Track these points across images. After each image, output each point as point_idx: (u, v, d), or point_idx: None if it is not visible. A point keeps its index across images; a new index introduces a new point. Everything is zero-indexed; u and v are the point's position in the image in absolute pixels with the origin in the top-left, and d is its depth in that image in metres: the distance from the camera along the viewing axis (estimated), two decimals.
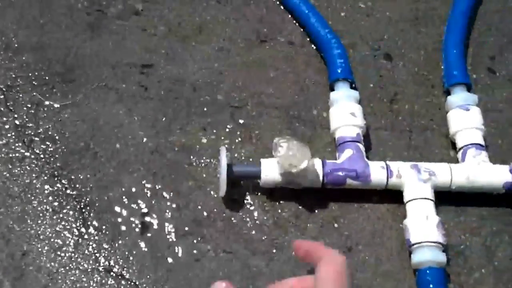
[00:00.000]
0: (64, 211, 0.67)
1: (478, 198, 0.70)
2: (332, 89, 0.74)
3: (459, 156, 0.70)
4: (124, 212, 0.67)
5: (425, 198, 0.65)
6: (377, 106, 0.76)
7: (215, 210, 0.68)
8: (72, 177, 0.69)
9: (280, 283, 0.54)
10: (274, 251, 0.66)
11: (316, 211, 0.69)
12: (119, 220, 0.67)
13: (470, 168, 0.67)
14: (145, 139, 0.72)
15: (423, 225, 0.64)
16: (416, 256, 0.63)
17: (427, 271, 0.63)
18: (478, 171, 0.67)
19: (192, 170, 0.71)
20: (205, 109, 0.74)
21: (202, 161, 0.71)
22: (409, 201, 0.66)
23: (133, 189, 0.69)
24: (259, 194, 0.69)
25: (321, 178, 0.67)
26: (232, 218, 0.68)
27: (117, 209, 0.68)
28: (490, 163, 0.68)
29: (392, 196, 0.69)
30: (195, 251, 0.65)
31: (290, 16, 0.82)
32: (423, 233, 0.64)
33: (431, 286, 0.62)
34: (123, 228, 0.66)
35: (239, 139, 0.73)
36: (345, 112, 0.70)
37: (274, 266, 0.65)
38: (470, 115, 0.70)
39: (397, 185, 0.67)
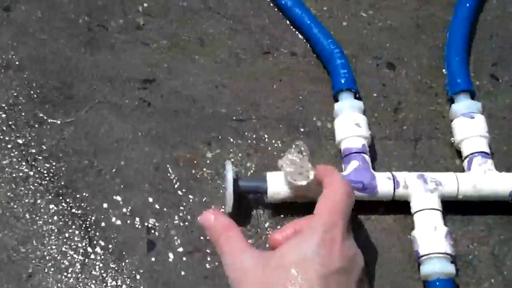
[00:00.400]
0: (70, 230, 0.67)
1: (484, 207, 0.69)
2: (336, 100, 0.73)
3: (464, 165, 0.69)
4: (130, 230, 0.67)
5: (433, 209, 0.65)
6: (381, 115, 0.76)
7: None
8: (77, 195, 0.69)
9: (283, 227, 0.59)
10: None
11: None
12: (125, 238, 0.66)
13: (476, 176, 0.67)
14: (149, 155, 0.71)
15: (431, 236, 0.63)
16: (425, 267, 0.63)
17: (437, 283, 0.62)
18: (484, 179, 0.67)
19: (198, 185, 0.70)
20: (208, 123, 0.74)
21: (207, 176, 0.70)
22: (417, 211, 0.66)
23: (139, 207, 0.68)
24: (265, 208, 0.68)
25: None
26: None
27: (123, 227, 0.67)
28: (496, 171, 0.68)
29: (399, 206, 0.68)
30: (203, 268, 0.65)
31: (292, 27, 0.82)
32: (432, 245, 0.63)
33: None
34: (130, 246, 0.66)
35: (244, 152, 0.72)
36: (350, 123, 0.70)
37: None
38: (474, 123, 0.70)
39: (404, 196, 0.67)
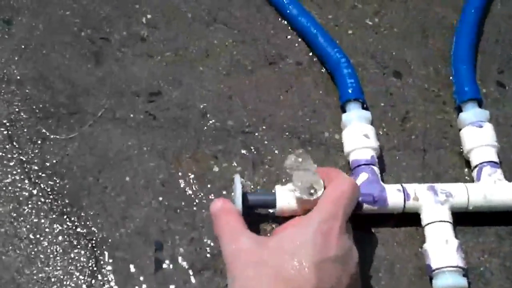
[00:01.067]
0: (76, 250, 0.66)
1: (495, 217, 0.68)
2: (344, 110, 0.73)
3: (474, 175, 0.69)
4: (137, 249, 0.66)
5: (444, 221, 0.65)
6: (389, 125, 0.75)
7: None
8: (82, 214, 0.68)
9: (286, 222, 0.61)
10: None
11: None
12: (132, 257, 0.65)
13: (486, 187, 0.66)
14: (155, 170, 0.71)
15: (443, 250, 0.63)
16: (438, 281, 0.63)
17: None
18: (494, 189, 0.66)
19: (205, 200, 0.69)
20: (215, 136, 0.73)
21: (215, 190, 0.69)
22: (428, 224, 0.65)
23: (145, 224, 0.67)
24: (274, 222, 0.67)
25: None
26: None
27: (130, 245, 0.66)
28: (505, 181, 0.67)
29: (409, 218, 0.67)
30: (213, 287, 0.64)
31: (298, 37, 0.81)
32: (444, 258, 0.63)
33: None
34: (137, 265, 0.65)
35: (251, 165, 0.71)
36: (358, 134, 0.69)
37: None
38: (483, 132, 0.69)
39: (415, 208, 0.66)
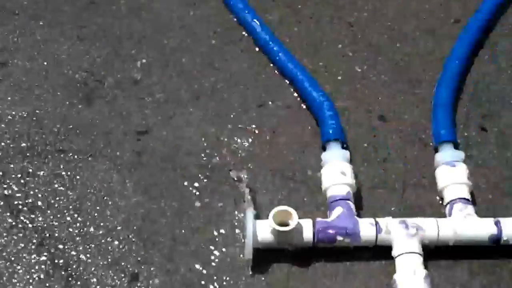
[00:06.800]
0: (52, 280, 0.75)
1: (468, 252, 0.77)
2: (325, 150, 0.83)
3: (446, 211, 0.78)
4: (113, 280, 0.75)
5: (413, 253, 0.73)
6: (371, 165, 0.85)
7: (205, 274, 0.76)
8: (60, 246, 0.77)
9: None
10: None
11: (309, 270, 0.77)
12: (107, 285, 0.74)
13: (456, 222, 0.75)
14: (136, 206, 0.80)
15: (411, 279, 0.72)
16: None
17: None
18: (464, 224, 0.75)
19: (188, 235, 0.79)
20: (200, 173, 0.83)
21: (194, 226, 0.79)
22: (398, 256, 0.74)
23: (123, 256, 0.77)
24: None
25: (311, 236, 0.74)
26: (224, 283, 0.75)
27: (106, 277, 0.75)
28: (476, 216, 0.76)
29: (384, 252, 0.76)
30: None
31: (287, 81, 0.92)
32: (411, 287, 0.71)
33: None
34: None
35: (234, 202, 0.81)
36: (335, 171, 0.79)
37: None
38: (456, 171, 0.79)
39: (386, 241, 0.75)
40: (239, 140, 0.87)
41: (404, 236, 0.75)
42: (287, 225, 0.74)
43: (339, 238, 0.75)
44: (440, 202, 0.82)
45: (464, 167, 0.80)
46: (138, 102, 0.90)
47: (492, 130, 0.89)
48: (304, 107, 0.90)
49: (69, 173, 0.83)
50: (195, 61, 0.94)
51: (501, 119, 0.90)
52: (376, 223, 0.76)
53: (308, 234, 0.75)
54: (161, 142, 0.86)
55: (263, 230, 0.75)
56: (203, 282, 0.76)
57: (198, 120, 0.89)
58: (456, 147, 0.84)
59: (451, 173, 0.80)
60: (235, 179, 0.83)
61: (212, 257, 0.78)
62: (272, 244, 0.76)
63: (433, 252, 0.77)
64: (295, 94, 0.92)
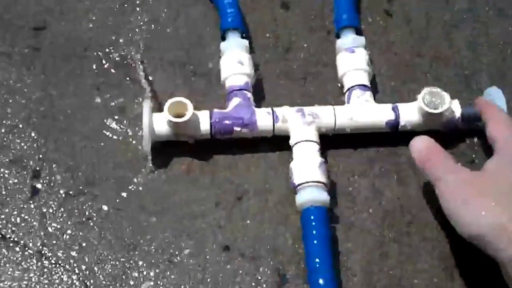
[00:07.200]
0: None
1: (368, 140, 0.78)
2: (224, 39, 0.81)
3: (345, 98, 0.77)
4: (15, 179, 0.75)
5: (309, 141, 0.73)
6: (272, 55, 0.84)
7: (105, 170, 0.76)
8: None
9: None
10: (164, 206, 0.74)
11: (209, 163, 0.77)
12: (7, 185, 0.75)
13: (353, 108, 0.75)
14: (36, 103, 0.79)
15: (305, 166, 0.72)
16: (300, 196, 0.72)
17: (310, 210, 0.71)
18: (361, 111, 0.75)
19: (85, 131, 0.78)
20: (98, 68, 0.82)
21: (94, 122, 0.79)
22: (295, 144, 0.74)
23: (24, 153, 0.76)
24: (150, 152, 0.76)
25: (209, 128, 0.74)
26: (126, 175, 0.76)
27: (8, 176, 0.75)
28: (374, 102, 0.76)
29: (284, 142, 0.76)
30: (86, 212, 0.73)
31: None
32: (306, 174, 0.72)
33: (313, 223, 0.70)
34: (11, 193, 0.74)
35: (133, 96, 0.80)
36: (233, 61, 0.78)
37: (162, 219, 0.73)
38: (355, 57, 0.78)
39: (284, 130, 0.75)
40: (138, 31, 0.85)
41: (300, 124, 0.74)
42: (184, 116, 0.72)
43: (236, 128, 0.75)
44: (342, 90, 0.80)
45: (363, 53, 0.79)
46: None
47: (397, 14, 0.87)
48: None
49: None
50: None
51: (406, 2, 0.89)
52: (273, 112, 0.75)
53: (205, 125, 0.75)
54: (59, 36, 0.84)
55: (160, 123, 0.74)
56: (104, 178, 0.76)
57: (97, 12, 0.86)
58: (359, 33, 0.82)
59: (350, 59, 0.79)
60: (138, 73, 0.81)
61: (113, 152, 0.77)
62: (170, 137, 0.75)
63: (334, 141, 0.77)
64: None
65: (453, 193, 0.65)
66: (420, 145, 0.70)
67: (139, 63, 0.82)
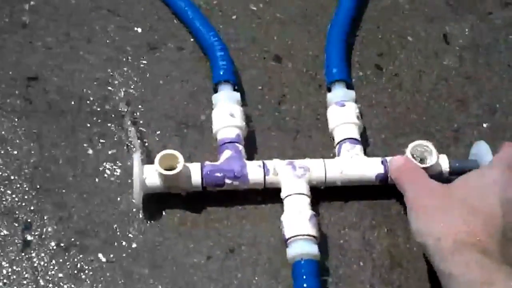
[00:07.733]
0: None
1: (358, 193, 0.79)
2: (216, 92, 0.82)
3: (336, 152, 0.79)
4: (6, 231, 0.75)
5: (300, 194, 0.74)
6: (265, 107, 0.85)
7: (97, 221, 0.76)
8: None
9: None
10: (157, 258, 0.75)
11: (201, 215, 0.78)
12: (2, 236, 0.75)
13: (343, 162, 0.76)
14: (28, 155, 0.80)
15: (296, 220, 0.73)
16: (290, 250, 0.72)
17: (301, 263, 0.71)
18: (351, 164, 0.76)
19: (77, 183, 0.79)
20: (90, 120, 0.83)
21: (86, 173, 0.79)
22: (285, 197, 0.75)
23: (15, 205, 0.77)
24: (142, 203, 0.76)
25: (200, 180, 0.75)
26: (118, 228, 0.76)
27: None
28: (364, 156, 0.77)
29: (275, 195, 0.77)
30: (78, 264, 0.73)
31: (180, 23, 0.91)
32: (296, 227, 0.72)
33: (304, 277, 0.70)
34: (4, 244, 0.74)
35: (125, 148, 0.81)
36: (224, 113, 0.79)
37: (155, 271, 0.74)
38: (345, 111, 0.80)
39: (275, 183, 0.76)
40: (130, 83, 0.86)
41: (291, 177, 0.75)
42: (175, 169, 0.73)
43: (228, 181, 0.75)
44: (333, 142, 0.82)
45: (353, 107, 0.81)
46: (28, 47, 0.88)
47: (387, 69, 0.89)
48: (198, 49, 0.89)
49: None
50: (86, 3, 0.93)
51: (397, 57, 0.91)
52: (264, 165, 0.76)
53: (196, 177, 0.75)
54: (51, 88, 0.85)
55: (152, 175, 0.75)
56: (96, 230, 0.76)
57: (89, 65, 0.87)
58: (350, 86, 0.84)
59: (340, 113, 0.80)
60: (127, 124, 0.82)
61: (105, 204, 0.78)
62: (161, 189, 0.76)
63: (325, 194, 0.78)
64: (189, 36, 0.91)
65: (416, 199, 0.69)
66: (400, 161, 0.74)
67: (129, 117, 0.83)
